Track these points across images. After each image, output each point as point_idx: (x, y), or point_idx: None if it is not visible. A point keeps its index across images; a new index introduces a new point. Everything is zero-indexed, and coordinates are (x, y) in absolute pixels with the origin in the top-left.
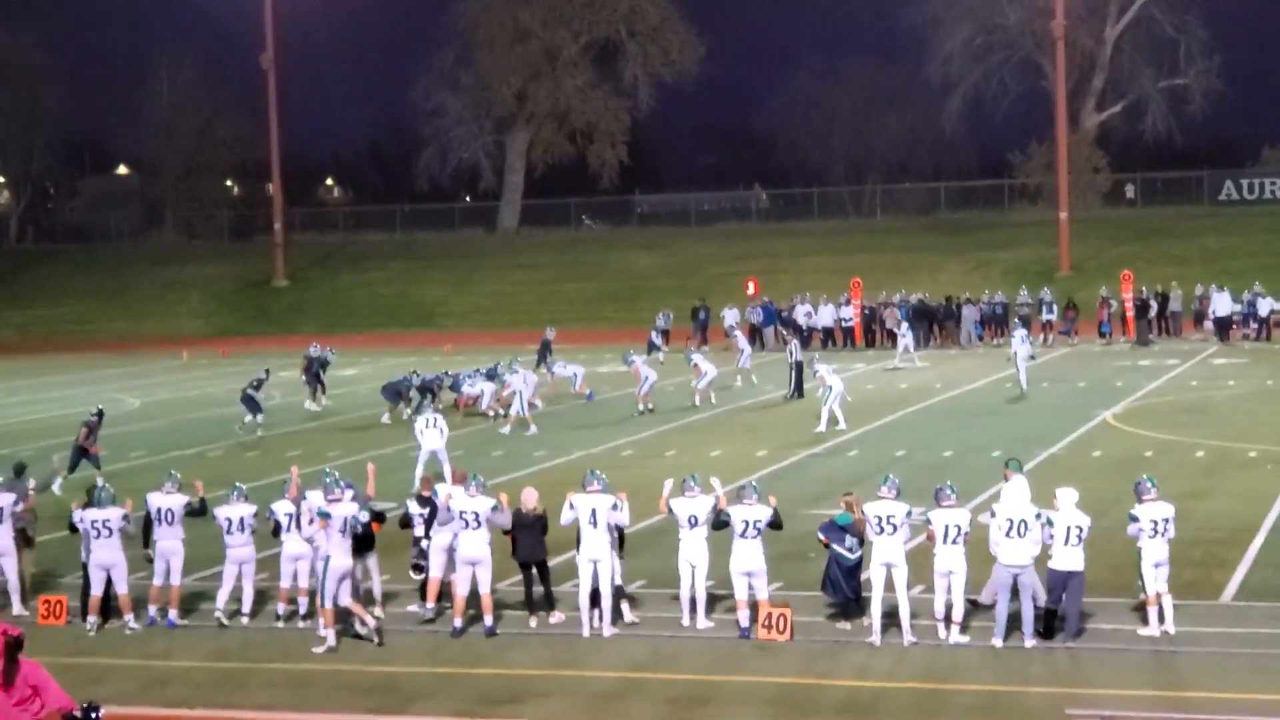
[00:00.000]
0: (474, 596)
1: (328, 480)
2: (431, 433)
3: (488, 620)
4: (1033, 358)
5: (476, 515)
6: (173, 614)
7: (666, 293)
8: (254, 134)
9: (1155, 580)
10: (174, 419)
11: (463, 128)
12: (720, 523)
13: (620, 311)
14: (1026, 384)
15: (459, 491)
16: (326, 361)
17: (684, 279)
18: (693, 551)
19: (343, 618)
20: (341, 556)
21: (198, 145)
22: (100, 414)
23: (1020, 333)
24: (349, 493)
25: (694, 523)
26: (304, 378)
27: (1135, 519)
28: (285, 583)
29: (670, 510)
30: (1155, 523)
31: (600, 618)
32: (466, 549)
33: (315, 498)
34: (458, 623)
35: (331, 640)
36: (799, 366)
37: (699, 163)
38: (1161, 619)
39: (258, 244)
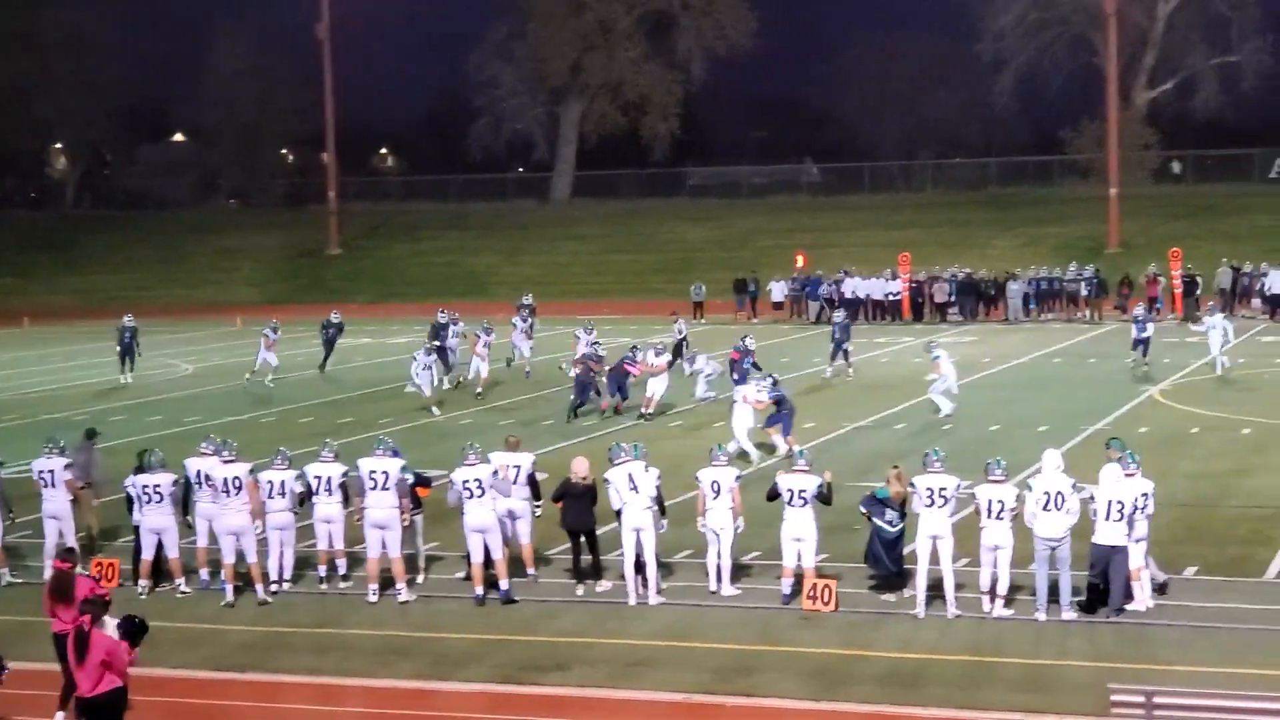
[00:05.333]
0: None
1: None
2: None
3: (503, 585)
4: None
5: (480, 482)
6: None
7: (716, 265)
8: (309, 104)
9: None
10: (228, 384)
11: (516, 99)
12: (774, 493)
13: (670, 283)
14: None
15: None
16: (445, 327)
17: (734, 251)
18: (717, 519)
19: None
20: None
21: (254, 114)
22: (92, 434)
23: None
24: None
25: (717, 490)
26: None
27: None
28: (322, 545)
29: (698, 480)
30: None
31: (644, 585)
32: (474, 517)
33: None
34: (479, 591)
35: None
36: (839, 339)
37: (750, 136)
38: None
39: (312, 213)
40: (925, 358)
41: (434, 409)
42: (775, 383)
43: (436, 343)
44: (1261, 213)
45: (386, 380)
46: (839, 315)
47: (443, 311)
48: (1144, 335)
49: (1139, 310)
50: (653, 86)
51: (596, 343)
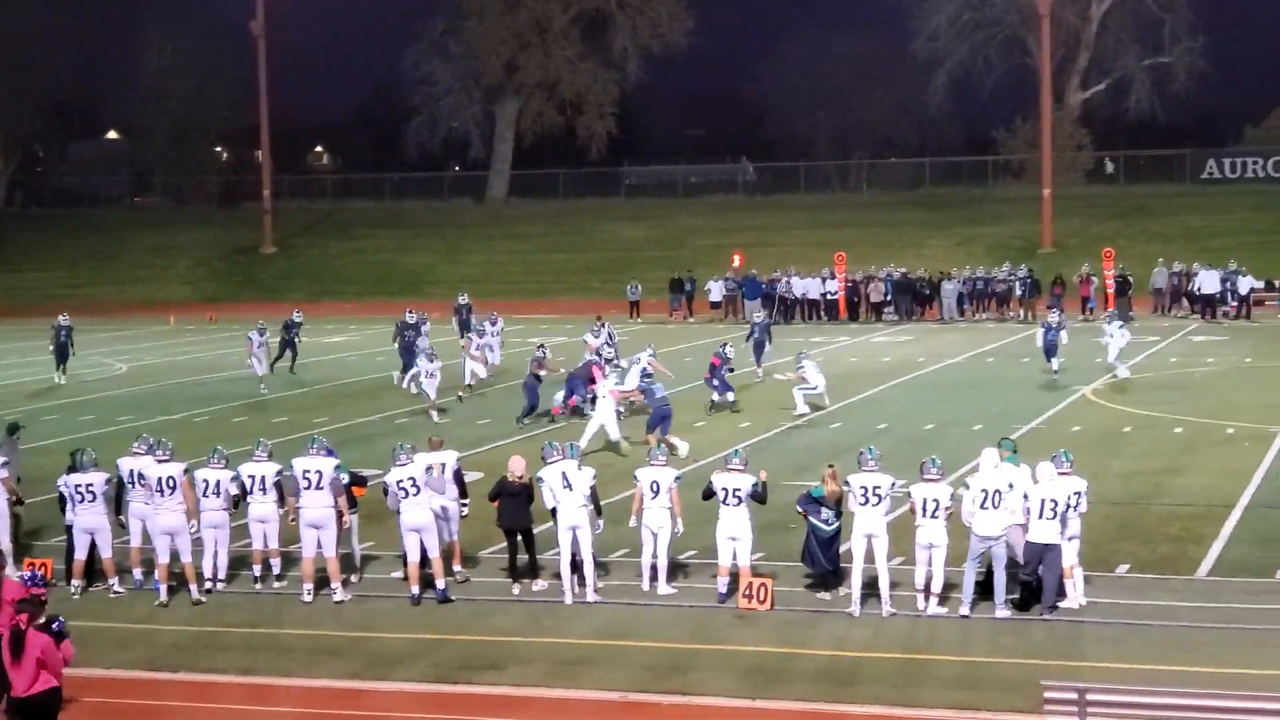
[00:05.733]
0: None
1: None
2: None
3: (440, 584)
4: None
5: (414, 481)
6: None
7: (652, 264)
8: (244, 101)
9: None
10: (161, 384)
11: (452, 97)
12: (709, 492)
13: (607, 282)
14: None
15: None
16: (414, 327)
17: (670, 251)
18: (655, 519)
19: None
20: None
21: (188, 111)
22: (14, 429)
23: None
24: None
25: (656, 490)
26: (397, 346)
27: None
28: (257, 545)
29: (636, 479)
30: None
31: (581, 583)
32: (410, 516)
33: (300, 463)
34: (414, 590)
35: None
36: (758, 340)
37: (687, 135)
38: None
39: (246, 210)
40: (805, 377)
41: (433, 414)
42: (646, 375)
43: (399, 342)
44: (1192, 213)
45: (320, 380)
46: (758, 316)
47: (410, 311)
48: (1053, 341)
49: (1052, 317)
50: (589, 85)
51: (610, 342)
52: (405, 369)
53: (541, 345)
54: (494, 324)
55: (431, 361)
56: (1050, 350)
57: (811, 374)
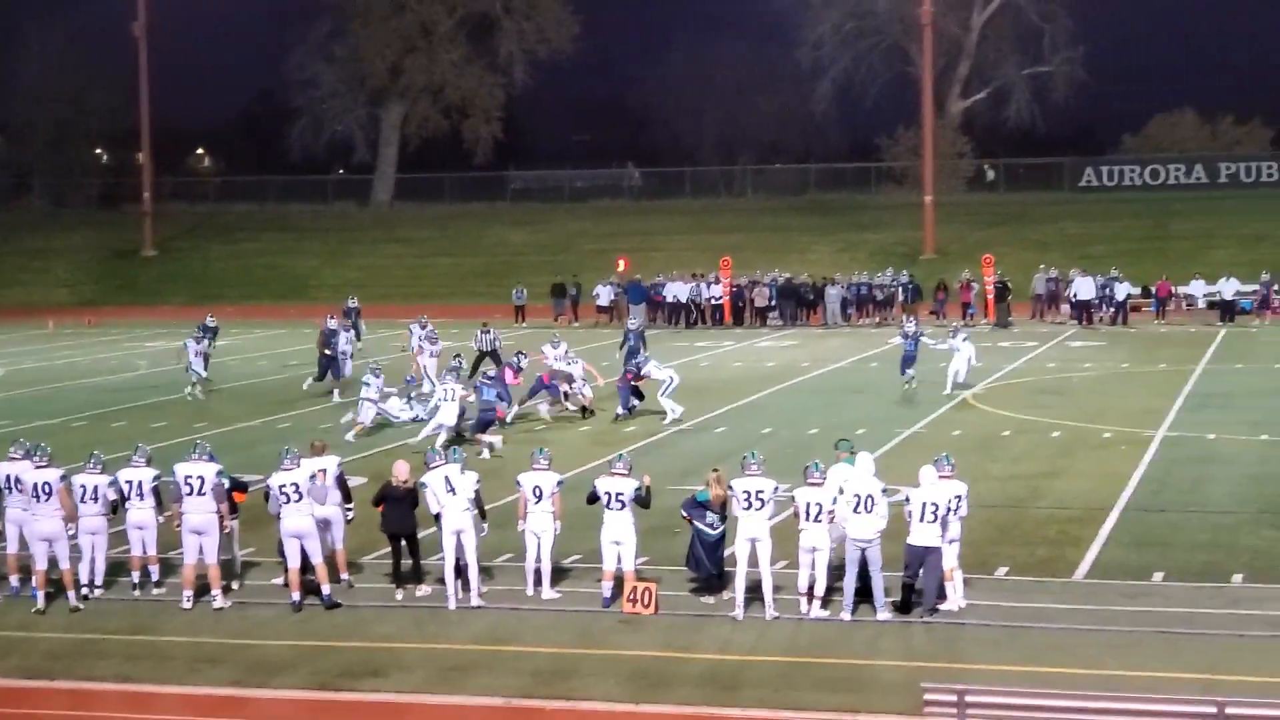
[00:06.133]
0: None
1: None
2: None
3: (325, 590)
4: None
5: (296, 487)
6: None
7: (538, 268)
8: (125, 102)
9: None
10: (38, 388)
11: (336, 100)
12: (593, 497)
13: (492, 287)
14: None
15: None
16: (335, 334)
17: (556, 255)
18: (538, 523)
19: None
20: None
21: (68, 113)
22: None
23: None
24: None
25: (538, 494)
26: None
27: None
28: (136, 551)
29: (519, 484)
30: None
31: (465, 588)
32: (291, 522)
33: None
34: (295, 597)
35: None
36: (632, 347)
37: (573, 140)
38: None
39: (126, 213)
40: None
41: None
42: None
43: (328, 351)
44: (1070, 220)
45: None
46: (633, 322)
47: (331, 317)
48: (912, 352)
49: (908, 325)
50: (475, 89)
51: (571, 357)
52: (320, 377)
53: (519, 353)
54: (434, 343)
55: (378, 377)
56: (907, 361)
57: (656, 372)
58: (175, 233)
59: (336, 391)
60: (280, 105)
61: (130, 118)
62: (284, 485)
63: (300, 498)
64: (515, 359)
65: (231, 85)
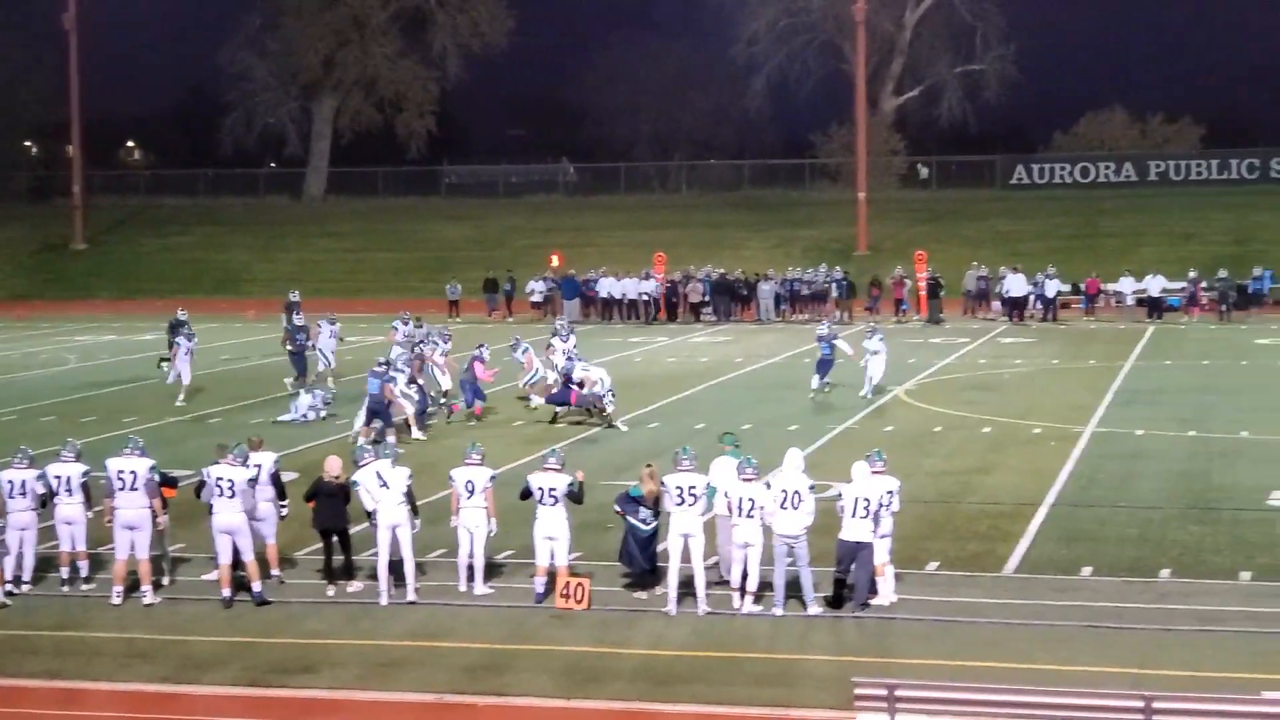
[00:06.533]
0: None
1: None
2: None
3: (256, 586)
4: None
5: (232, 484)
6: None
7: (472, 263)
8: (55, 95)
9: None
10: None
11: (269, 93)
12: (526, 492)
13: (426, 282)
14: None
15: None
16: (304, 330)
17: (491, 250)
18: (471, 519)
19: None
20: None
21: None
22: None
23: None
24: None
25: (471, 489)
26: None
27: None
28: (65, 546)
29: (451, 479)
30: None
31: (399, 583)
32: (222, 518)
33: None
34: (226, 593)
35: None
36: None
37: (507, 135)
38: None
39: (56, 207)
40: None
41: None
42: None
43: (290, 347)
44: (1001, 218)
45: (131, 378)
46: (561, 321)
47: (298, 315)
48: (828, 356)
49: (821, 328)
50: (408, 83)
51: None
52: (298, 376)
53: (481, 344)
54: (445, 341)
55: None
56: (823, 366)
57: (581, 373)
58: (106, 226)
59: (290, 381)
60: (212, 98)
61: (61, 111)
62: (221, 478)
63: (234, 495)
64: (479, 350)
65: (163, 78)
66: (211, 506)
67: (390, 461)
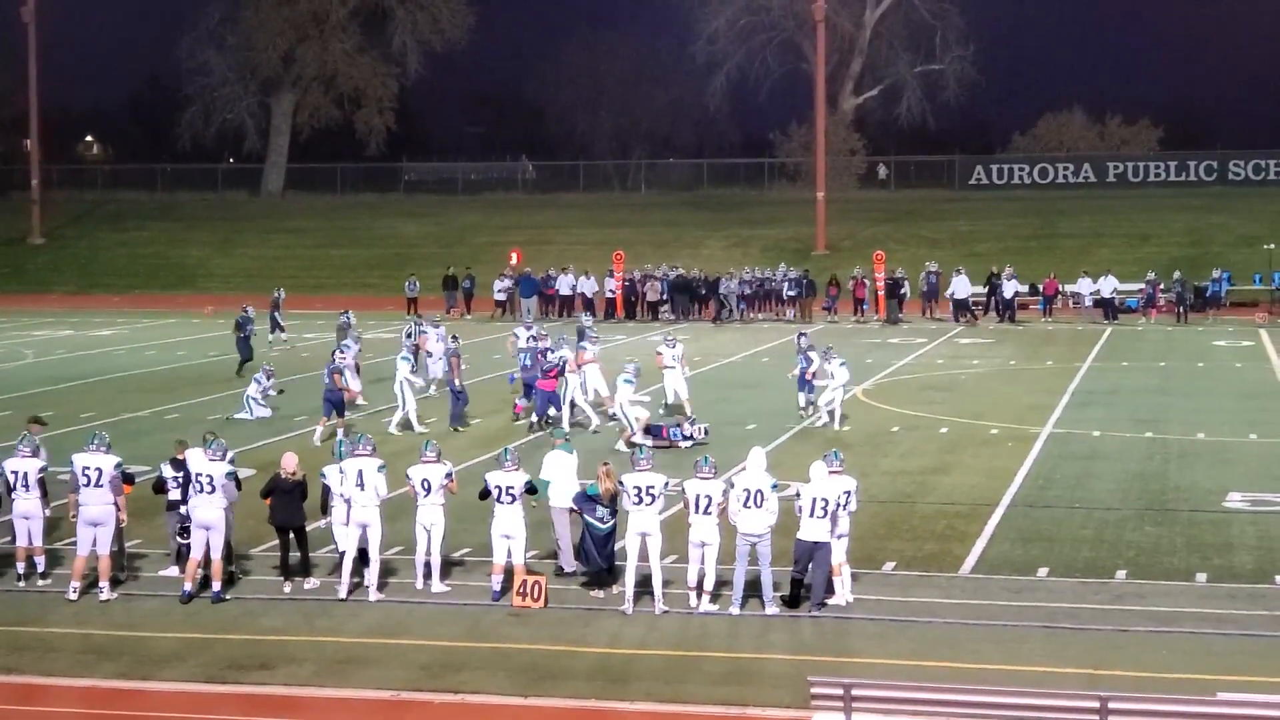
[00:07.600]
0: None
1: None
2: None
3: (216, 585)
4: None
5: (210, 479)
6: None
7: (432, 261)
8: (12, 88)
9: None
10: None
11: (227, 88)
12: (484, 492)
13: (385, 279)
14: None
15: (197, 453)
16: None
17: (450, 247)
18: (427, 516)
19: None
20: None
21: None
22: None
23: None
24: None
25: (428, 488)
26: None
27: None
28: (21, 541)
29: (409, 478)
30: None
31: (362, 578)
32: (201, 513)
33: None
34: (188, 587)
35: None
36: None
37: (467, 132)
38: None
39: (14, 200)
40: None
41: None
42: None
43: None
44: (960, 218)
45: (88, 373)
46: (527, 319)
47: (248, 307)
48: (806, 369)
49: (802, 340)
50: (368, 79)
51: (540, 344)
52: (242, 364)
53: (454, 336)
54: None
55: (270, 378)
56: (804, 381)
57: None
58: (63, 221)
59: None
60: (170, 93)
61: (18, 104)
62: (200, 474)
63: (214, 490)
64: (453, 345)
65: (121, 72)
66: (170, 503)
67: (376, 467)
